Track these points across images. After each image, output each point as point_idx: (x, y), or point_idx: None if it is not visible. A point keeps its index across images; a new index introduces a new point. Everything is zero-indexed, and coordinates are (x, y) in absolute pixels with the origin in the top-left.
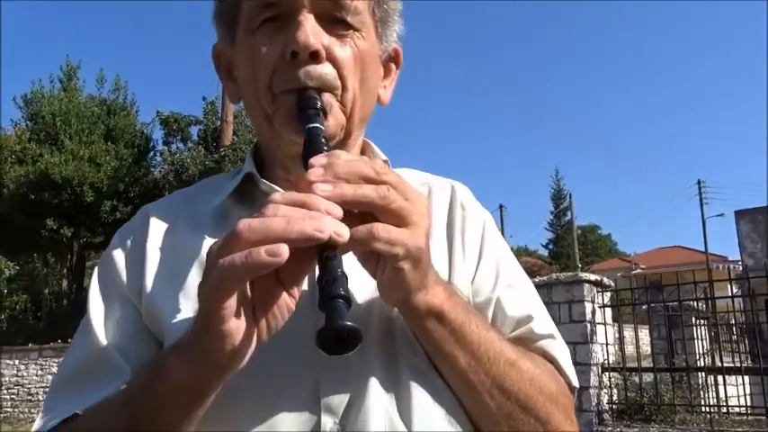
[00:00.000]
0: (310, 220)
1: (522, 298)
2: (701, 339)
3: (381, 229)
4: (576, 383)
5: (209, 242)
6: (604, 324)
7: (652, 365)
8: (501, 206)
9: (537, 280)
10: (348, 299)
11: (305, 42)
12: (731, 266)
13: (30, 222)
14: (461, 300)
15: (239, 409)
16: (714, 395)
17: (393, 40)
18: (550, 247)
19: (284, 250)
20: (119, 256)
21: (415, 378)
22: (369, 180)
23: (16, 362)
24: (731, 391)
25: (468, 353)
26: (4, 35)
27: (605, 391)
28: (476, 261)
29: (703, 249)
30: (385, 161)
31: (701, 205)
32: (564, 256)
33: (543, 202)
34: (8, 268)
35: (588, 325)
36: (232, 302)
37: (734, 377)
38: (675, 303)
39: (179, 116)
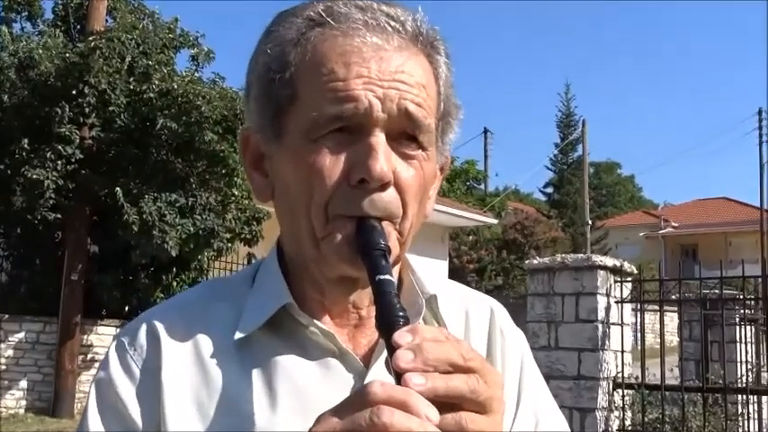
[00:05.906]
0: None
1: None
2: (746, 343)
3: (469, 421)
4: None
5: (237, 378)
6: (621, 324)
7: (679, 381)
8: (486, 130)
9: (537, 262)
10: None
11: (379, 175)
12: None
13: None
14: None
15: None
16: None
17: (447, 149)
18: (551, 191)
19: None
20: (124, 385)
21: None
22: (456, 367)
23: None
24: None
25: None
26: None
27: (616, 413)
28: (515, 401)
29: (758, 204)
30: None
31: (760, 144)
32: (569, 206)
33: (546, 134)
34: None
35: (600, 326)
36: None
37: None
38: (714, 294)
39: None
